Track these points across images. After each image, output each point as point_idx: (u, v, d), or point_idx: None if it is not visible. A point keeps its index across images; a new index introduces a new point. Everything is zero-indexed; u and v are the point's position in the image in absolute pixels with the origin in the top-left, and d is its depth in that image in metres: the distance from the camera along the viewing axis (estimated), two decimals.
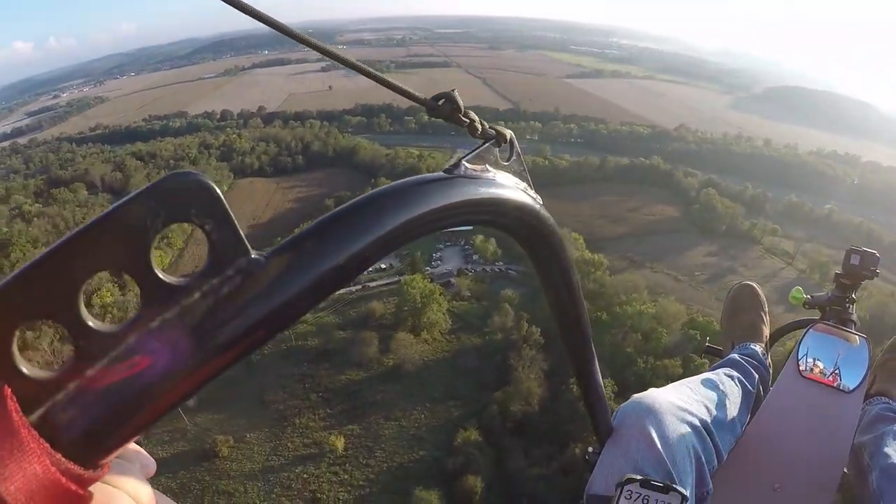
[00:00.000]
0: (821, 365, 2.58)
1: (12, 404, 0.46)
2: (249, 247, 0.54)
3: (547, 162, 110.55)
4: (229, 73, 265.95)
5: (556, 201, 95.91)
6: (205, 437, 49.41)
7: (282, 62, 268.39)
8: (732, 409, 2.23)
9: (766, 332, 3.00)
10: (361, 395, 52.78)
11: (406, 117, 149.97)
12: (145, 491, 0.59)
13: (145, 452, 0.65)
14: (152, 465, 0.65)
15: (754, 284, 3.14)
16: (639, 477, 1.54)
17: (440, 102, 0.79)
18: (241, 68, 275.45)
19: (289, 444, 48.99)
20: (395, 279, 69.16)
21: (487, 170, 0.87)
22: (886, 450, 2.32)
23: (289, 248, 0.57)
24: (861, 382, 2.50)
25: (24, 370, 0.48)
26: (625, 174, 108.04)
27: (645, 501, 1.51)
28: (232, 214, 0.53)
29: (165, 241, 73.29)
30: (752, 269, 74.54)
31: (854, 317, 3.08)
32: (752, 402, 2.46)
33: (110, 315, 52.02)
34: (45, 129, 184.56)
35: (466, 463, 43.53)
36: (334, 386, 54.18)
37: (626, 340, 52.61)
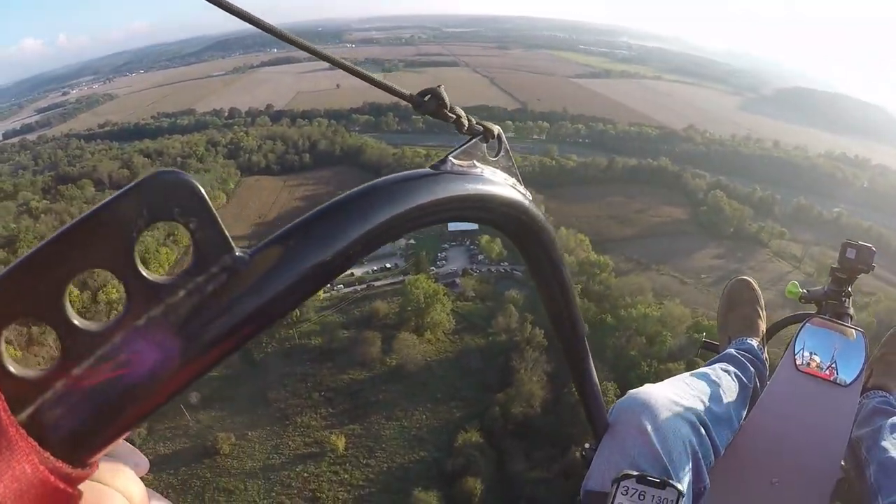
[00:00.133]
0: (817, 359, 2.57)
1: (0, 403, 0.46)
2: (234, 244, 0.54)
3: (554, 162, 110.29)
4: (238, 70, 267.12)
5: (563, 202, 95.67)
6: (206, 434, 49.56)
7: (290, 60, 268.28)
8: (729, 403, 2.22)
9: (763, 326, 2.99)
10: (363, 394, 52.75)
11: (414, 116, 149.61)
12: (138, 489, 0.59)
13: (138, 451, 0.64)
14: (145, 464, 0.63)
15: (750, 279, 3.13)
16: (635, 472, 1.54)
17: (426, 98, 0.79)
18: (250, 66, 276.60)
19: (290, 443, 49.04)
20: (400, 279, 69.18)
21: (475, 165, 0.86)
22: (884, 443, 2.30)
23: (273, 245, 0.57)
24: (858, 376, 2.50)
25: (12, 369, 0.48)
26: (632, 175, 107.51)
27: (641, 497, 1.50)
28: (216, 213, 0.53)
29: (172, 237, 73.53)
30: (759, 273, 73.78)
31: (850, 311, 3.07)
32: (748, 397, 2.46)
33: (115, 312, 52.18)
34: (55, 125, 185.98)
35: (466, 464, 43.42)
36: (336, 385, 54.17)
37: (630, 343, 52.29)
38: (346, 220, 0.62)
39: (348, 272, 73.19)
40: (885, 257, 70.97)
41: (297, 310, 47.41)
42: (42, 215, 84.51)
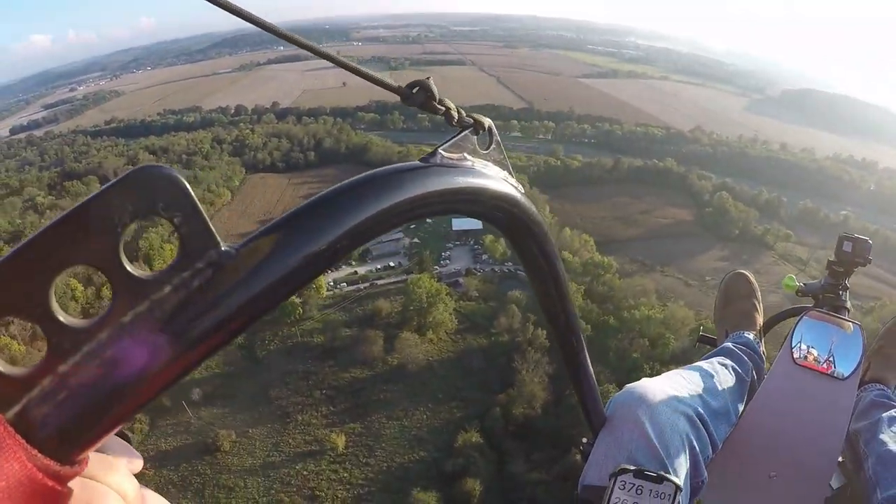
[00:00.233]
0: (815, 352, 2.57)
1: None
2: (219, 239, 0.53)
3: (559, 162, 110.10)
4: (245, 68, 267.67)
5: (568, 202, 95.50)
6: (208, 430, 49.68)
7: (297, 58, 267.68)
8: (727, 397, 2.21)
9: (760, 320, 2.99)
10: (364, 393, 52.72)
11: (419, 115, 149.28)
12: (131, 486, 0.59)
13: (133, 448, 0.65)
14: (139, 461, 0.64)
15: (747, 273, 3.14)
16: (632, 467, 1.54)
17: (414, 90, 0.78)
18: (257, 64, 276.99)
19: (290, 441, 49.07)
20: (403, 277, 69.10)
21: (465, 158, 0.86)
22: (882, 436, 2.30)
23: (260, 240, 0.57)
24: (855, 369, 2.49)
25: None
26: (638, 176, 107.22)
27: (639, 492, 1.50)
28: (201, 207, 0.53)
29: (177, 234, 73.61)
30: (764, 276, 73.21)
31: (848, 304, 3.08)
32: (746, 391, 2.46)
33: None
34: (62, 121, 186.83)
35: (466, 465, 43.34)
36: (338, 383, 54.16)
37: (632, 346, 52.05)
38: (333, 214, 0.62)
39: (351, 270, 73.48)
40: (893, 262, 72.65)
41: (300, 308, 47.26)
42: (47, 211, 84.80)
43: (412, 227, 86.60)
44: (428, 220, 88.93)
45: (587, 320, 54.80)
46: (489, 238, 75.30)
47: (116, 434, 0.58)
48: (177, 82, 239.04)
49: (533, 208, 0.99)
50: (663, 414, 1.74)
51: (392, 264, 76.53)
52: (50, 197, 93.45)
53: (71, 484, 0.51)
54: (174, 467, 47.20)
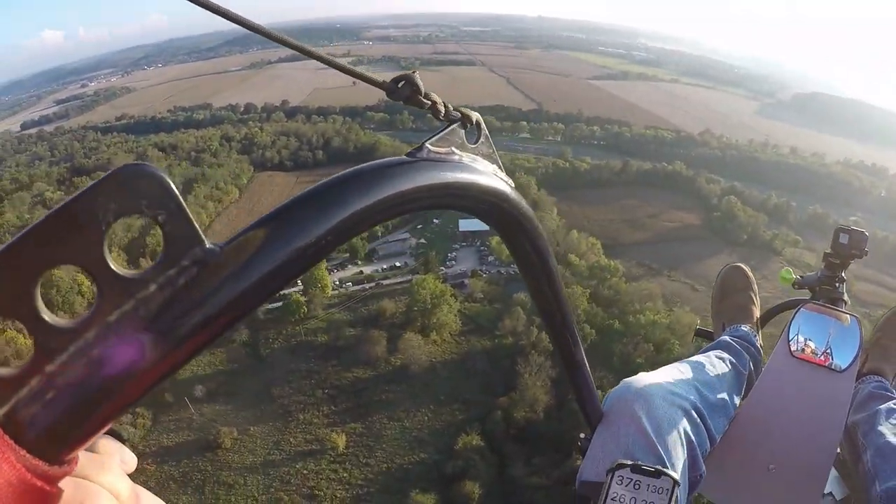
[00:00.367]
0: (812, 345, 2.56)
1: None
2: (204, 237, 0.53)
3: (568, 164, 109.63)
4: (255, 66, 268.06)
5: (576, 204, 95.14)
6: (209, 427, 49.89)
7: (308, 57, 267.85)
8: (724, 391, 2.21)
9: (757, 313, 2.98)
10: (367, 393, 52.74)
11: (429, 115, 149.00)
12: (125, 486, 0.59)
13: (126, 448, 0.64)
14: (133, 461, 0.64)
15: (744, 266, 3.12)
16: (629, 462, 1.53)
17: (400, 85, 0.78)
18: (267, 62, 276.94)
19: (291, 440, 49.17)
20: (409, 278, 69.05)
21: (453, 152, 0.85)
22: (880, 428, 2.30)
23: (245, 236, 0.57)
24: (853, 361, 2.49)
25: None
26: (646, 179, 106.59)
27: (637, 486, 1.50)
28: (185, 205, 0.52)
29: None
30: (771, 281, 71.72)
31: (845, 296, 3.10)
32: (743, 384, 2.46)
33: None
34: (72, 117, 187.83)
35: (466, 468, 43.26)
36: (340, 383, 54.20)
37: (637, 350, 51.72)
38: (319, 209, 0.62)
39: (357, 270, 73.43)
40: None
41: (304, 307, 47.11)
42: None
43: (419, 227, 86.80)
44: (434, 221, 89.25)
45: (592, 324, 54.53)
46: (496, 240, 74.94)
47: (109, 434, 0.58)
48: (187, 79, 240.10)
49: (523, 202, 0.98)
50: (660, 408, 1.74)
51: (398, 264, 76.56)
52: (59, 192, 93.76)
53: (64, 484, 0.51)
54: (175, 463, 47.41)
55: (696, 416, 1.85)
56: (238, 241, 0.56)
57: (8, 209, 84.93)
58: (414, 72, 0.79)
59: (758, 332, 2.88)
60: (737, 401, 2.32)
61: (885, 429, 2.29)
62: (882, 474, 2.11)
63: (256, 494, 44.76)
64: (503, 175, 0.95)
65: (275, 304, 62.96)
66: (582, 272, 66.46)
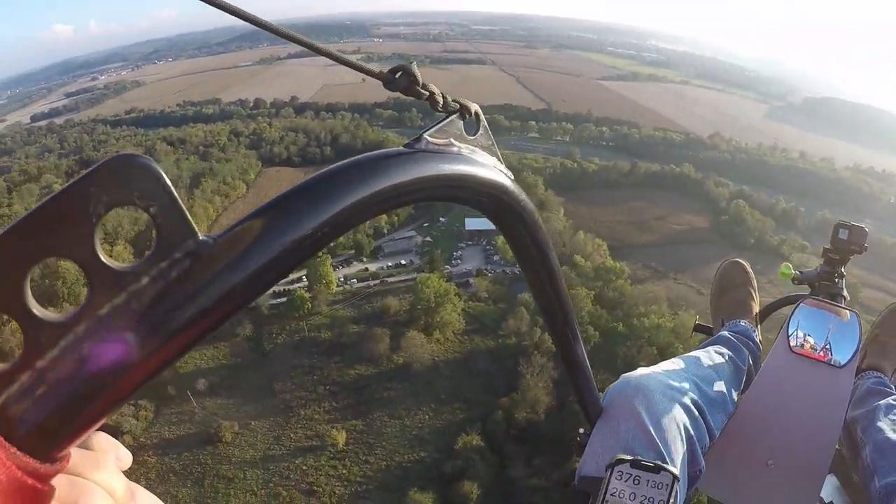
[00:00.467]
0: (811, 340, 2.54)
1: None
2: (197, 229, 0.52)
3: (576, 165, 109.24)
4: (265, 61, 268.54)
5: (583, 205, 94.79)
6: (211, 421, 50.10)
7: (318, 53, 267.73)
8: (723, 386, 2.21)
9: (756, 308, 2.97)
10: (368, 390, 52.75)
11: (437, 112, 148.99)
12: (120, 483, 0.58)
13: (121, 445, 0.63)
14: (128, 458, 0.63)
15: (742, 261, 3.11)
16: (629, 457, 1.53)
17: (397, 75, 0.77)
18: (277, 58, 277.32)
19: (291, 435, 49.28)
20: (413, 276, 68.97)
21: (452, 144, 0.84)
22: (879, 424, 2.29)
23: (240, 228, 0.56)
24: (852, 357, 2.47)
25: None
26: (654, 181, 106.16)
27: (636, 482, 1.49)
28: (177, 196, 0.51)
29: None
30: (777, 287, 70.92)
31: (844, 292, 3.09)
32: (743, 379, 2.45)
33: None
34: (82, 110, 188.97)
35: (465, 468, 43.17)
36: (342, 380, 54.23)
37: (640, 354, 51.35)
38: (315, 201, 0.61)
39: (363, 267, 73.39)
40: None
41: (309, 303, 46.96)
42: None
43: (425, 225, 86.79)
44: (441, 219, 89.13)
45: (596, 326, 54.27)
46: (501, 239, 73.93)
47: (105, 431, 0.57)
48: (197, 74, 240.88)
49: (523, 195, 0.97)
50: (660, 403, 1.73)
51: (403, 262, 76.54)
52: None
53: (58, 481, 0.50)
54: (176, 456, 47.60)
55: (695, 411, 1.84)
56: (232, 232, 0.55)
57: (16, 200, 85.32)
58: (412, 62, 0.77)
59: (757, 328, 2.87)
60: (736, 396, 2.31)
61: (883, 424, 2.27)
62: (881, 470, 2.09)
63: (255, 489, 44.87)
64: (503, 167, 0.94)
65: (279, 300, 63.12)
66: (587, 273, 66.12)
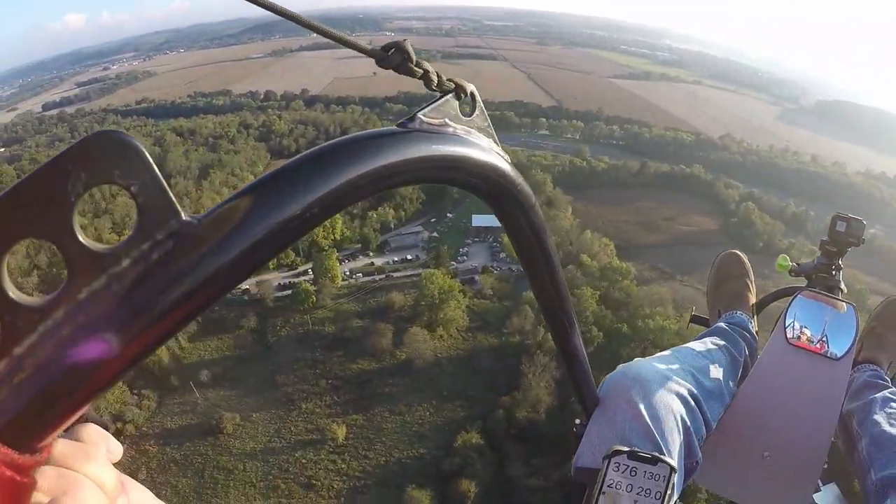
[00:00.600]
0: (808, 332, 2.53)
1: None
2: (180, 209, 0.50)
3: (585, 163, 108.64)
4: (276, 54, 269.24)
5: (591, 204, 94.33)
6: (213, 412, 50.33)
7: (329, 45, 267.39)
8: (720, 377, 2.20)
9: (753, 299, 2.96)
10: (370, 386, 52.76)
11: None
12: (110, 476, 0.56)
13: (112, 437, 0.61)
14: (119, 450, 0.61)
15: (739, 253, 3.09)
16: (626, 448, 1.52)
17: (390, 52, 0.74)
18: (289, 50, 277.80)
19: (292, 428, 49.41)
20: (419, 271, 68.85)
21: (447, 124, 0.81)
22: (875, 417, 2.29)
23: (225, 208, 0.53)
24: (849, 350, 2.46)
25: None
26: (664, 181, 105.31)
27: (633, 473, 1.49)
28: (160, 175, 0.49)
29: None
30: (777, 282, 71.66)
31: (841, 284, 3.10)
32: (739, 371, 2.44)
33: None
34: (93, 99, 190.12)
35: (464, 465, 43.10)
36: (344, 374, 54.26)
37: (644, 356, 50.89)
38: (305, 180, 0.58)
39: (369, 261, 73.38)
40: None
41: (313, 297, 46.86)
42: None
43: (432, 220, 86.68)
44: (448, 215, 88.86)
45: (600, 326, 53.99)
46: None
47: (107, 419, 0.76)
48: (208, 65, 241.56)
49: (520, 178, 0.95)
50: (658, 394, 1.72)
51: (409, 257, 76.48)
52: None
53: (46, 473, 0.49)
54: (177, 446, 47.85)
55: (692, 402, 1.84)
56: (217, 212, 0.53)
57: None
58: (405, 40, 0.76)
59: (753, 319, 2.86)
60: (732, 387, 2.29)
61: (880, 417, 2.26)
62: (877, 463, 2.09)
63: (254, 481, 45.04)
64: (499, 149, 0.91)
65: (284, 292, 63.19)
66: (593, 273, 65.71)
